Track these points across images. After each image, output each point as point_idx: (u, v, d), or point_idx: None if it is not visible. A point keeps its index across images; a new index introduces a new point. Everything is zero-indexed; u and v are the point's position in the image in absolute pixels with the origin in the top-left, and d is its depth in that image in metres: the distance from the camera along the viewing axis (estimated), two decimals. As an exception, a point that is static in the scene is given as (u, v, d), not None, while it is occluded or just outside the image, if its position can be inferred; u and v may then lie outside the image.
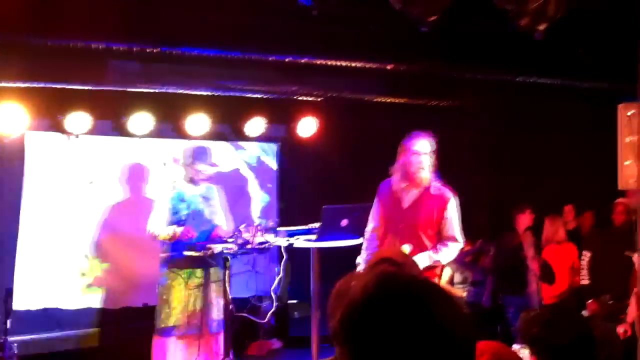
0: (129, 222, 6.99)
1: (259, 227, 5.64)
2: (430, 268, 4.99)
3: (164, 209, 5.85)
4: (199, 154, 5.93)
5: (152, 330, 5.88)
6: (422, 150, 4.94)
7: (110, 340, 6.80)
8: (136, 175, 7.23)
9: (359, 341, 1.23)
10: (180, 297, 5.80)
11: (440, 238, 5.02)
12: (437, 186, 5.03)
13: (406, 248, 4.89)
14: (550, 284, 7.02)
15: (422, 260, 4.91)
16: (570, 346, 2.58)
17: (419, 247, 4.93)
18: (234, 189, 7.47)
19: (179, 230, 5.72)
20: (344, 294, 1.29)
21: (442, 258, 5.03)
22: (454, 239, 5.03)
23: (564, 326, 2.61)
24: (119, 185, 7.15)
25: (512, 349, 3.15)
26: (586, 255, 6.62)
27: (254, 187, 7.98)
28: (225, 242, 5.64)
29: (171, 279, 5.82)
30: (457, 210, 5.06)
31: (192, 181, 5.96)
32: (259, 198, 8.00)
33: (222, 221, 6.11)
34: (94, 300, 7.03)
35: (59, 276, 6.89)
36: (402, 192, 5.03)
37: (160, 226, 5.78)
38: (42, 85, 5.93)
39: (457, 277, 7.94)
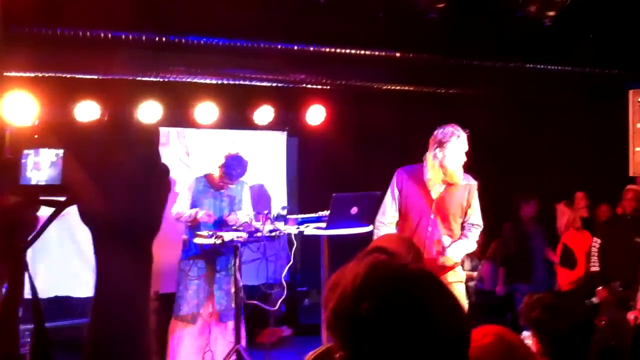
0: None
1: (268, 215, 5.67)
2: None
3: (187, 198, 6.02)
4: (232, 169, 5.94)
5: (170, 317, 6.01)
6: (460, 150, 4.82)
7: None
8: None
9: (351, 331, 1.23)
10: (193, 285, 5.92)
11: (465, 224, 5.01)
12: (465, 176, 4.96)
13: (447, 239, 4.88)
14: (571, 269, 7.00)
15: (462, 247, 4.93)
16: (569, 331, 2.60)
17: (452, 237, 4.93)
18: (255, 179, 7.57)
19: (201, 212, 5.89)
20: (337, 284, 1.28)
21: (473, 244, 5.03)
22: (478, 225, 5.03)
23: (564, 311, 2.63)
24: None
25: (522, 335, 3.16)
26: (596, 242, 6.62)
27: (274, 177, 7.99)
28: (236, 230, 5.67)
29: (187, 267, 5.96)
30: (477, 197, 5.04)
31: (216, 183, 6.07)
32: (278, 187, 8.01)
33: (244, 214, 6.16)
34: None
35: (70, 264, 6.94)
36: (432, 183, 4.94)
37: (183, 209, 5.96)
38: (51, 74, 5.94)
39: (467, 265, 7.96)
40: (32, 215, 1.28)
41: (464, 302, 5.08)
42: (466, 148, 4.85)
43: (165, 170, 1.20)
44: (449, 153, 4.80)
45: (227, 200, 6.11)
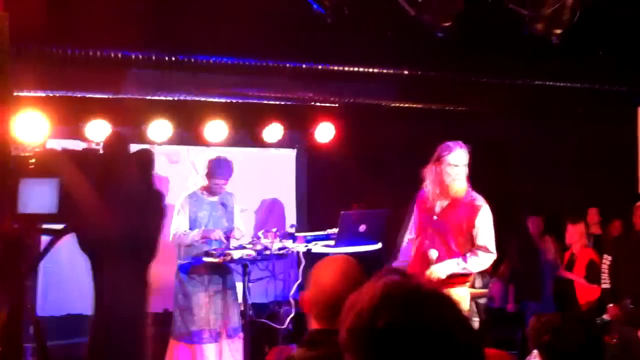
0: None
1: (277, 233, 5.67)
2: (461, 275, 4.95)
3: (184, 215, 5.92)
4: (216, 168, 5.93)
5: (168, 336, 5.93)
6: (458, 163, 4.84)
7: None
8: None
9: (367, 348, 1.26)
10: (200, 304, 5.84)
11: (471, 247, 4.95)
12: (470, 194, 4.94)
13: (434, 253, 4.88)
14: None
15: (450, 267, 4.88)
16: (579, 353, 2.58)
17: (448, 254, 4.89)
18: (267, 197, 7.64)
19: (204, 232, 5.83)
20: (355, 304, 1.33)
21: (472, 266, 4.94)
22: (486, 249, 4.91)
23: (574, 333, 2.61)
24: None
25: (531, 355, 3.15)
26: (607, 259, 6.56)
27: (283, 195, 8.01)
28: (244, 248, 5.67)
29: (191, 286, 5.87)
30: (490, 220, 4.96)
31: (210, 190, 6.02)
32: (287, 205, 8.03)
33: (241, 225, 6.16)
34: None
35: (80, 282, 6.96)
36: (434, 199, 4.98)
37: (186, 228, 5.87)
38: (62, 94, 6.00)
39: (478, 282, 7.92)
40: (33, 242, 1.32)
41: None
42: (465, 162, 4.87)
43: (158, 193, 1.23)
44: (445, 167, 4.85)
45: (222, 209, 6.08)
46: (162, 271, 6.92)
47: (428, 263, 4.89)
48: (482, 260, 4.96)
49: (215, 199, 6.05)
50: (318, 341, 2.18)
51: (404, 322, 1.25)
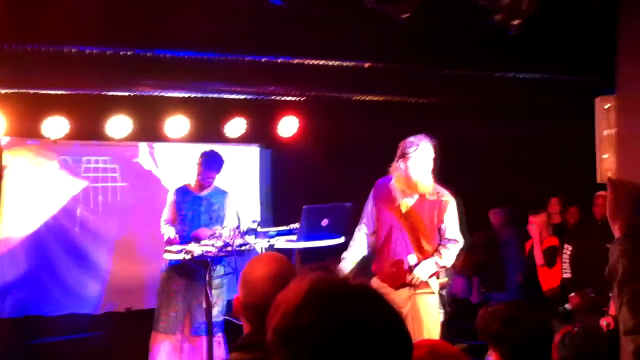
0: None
1: (238, 229, 5.61)
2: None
3: (170, 207, 6.14)
4: (204, 160, 6.06)
5: (135, 336, 6.08)
6: (425, 158, 4.83)
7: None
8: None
9: (292, 346, 1.24)
10: (169, 300, 5.95)
11: (440, 241, 4.97)
12: (436, 190, 4.93)
13: (412, 258, 4.86)
14: (550, 267, 6.93)
15: (430, 267, 4.88)
16: (530, 342, 2.58)
17: (420, 252, 4.89)
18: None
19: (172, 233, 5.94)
20: (280, 304, 1.30)
21: (447, 261, 4.98)
22: (455, 241, 4.98)
23: (524, 322, 2.62)
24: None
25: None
26: (568, 248, 6.63)
27: (246, 191, 7.96)
28: (205, 245, 5.61)
29: (164, 281, 6.01)
30: (456, 213, 4.99)
31: (199, 184, 6.09)
32: (250, 201, 7.98)
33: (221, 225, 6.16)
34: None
35: (40, 283, 6.86)
36: (400, 195, 4.95)
37: (167, 223, 6.07)
38: (16, 90, 5.87)
39: (442, 274, 7.93)
40: None
41: (435, 313, 5.06)
42: (431, 157, 4.86)
43: None
44: (412, 163, 4.82)
45: (205, 204, 6.09)
46: (123, 270, 6.93)
47: (405, 267, 4.87)
48: (454, 252, 5.03)
49: (202, 193, 6.11)
50: (254, 343, 2.09)
51: (329, 319, 1.22)
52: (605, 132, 5.04)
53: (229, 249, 5.49)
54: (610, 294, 5.72)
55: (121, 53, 5.49)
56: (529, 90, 7.08)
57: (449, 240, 4.96)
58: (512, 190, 7.71)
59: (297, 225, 5.70)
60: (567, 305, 6.41)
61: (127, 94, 6.27)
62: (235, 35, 5.78)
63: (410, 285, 4.85)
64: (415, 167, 4.82)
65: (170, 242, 5.85)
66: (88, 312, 7.07)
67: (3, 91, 5.99)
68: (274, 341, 1.28)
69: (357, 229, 5.15)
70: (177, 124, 7.16)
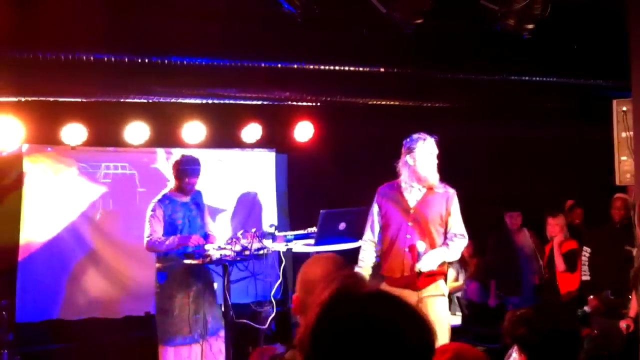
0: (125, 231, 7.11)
1: (256, 233, 5.65)
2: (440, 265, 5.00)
3: (158, 221, 5.85)
4: (187, 167, 5.94)
5: (155, 340, 5.92)
6: (431, 152, 4.95)
7: (113, 351, 6.81)
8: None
9: (321, 353, 1.27)
10: (181, 306, 5.82)
11: (447, 234, 5.04)
12: (440, 183, 5.06)
13: (421, 245, 4.90)
14: (572, 272, 6.91)
15: (439, 255, 4.93)
16: (556, 344, 2.58)
17: (431, 244, 4.95)
18: (245, 198, 7.70)
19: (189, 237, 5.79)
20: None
21: (453, 253, 5.06)
22: (462, 235, 5.06)
23: (548, 325, 2.61)
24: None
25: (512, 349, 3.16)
26: (586, 251, 6.60)
27: (263, 195, 8.00)
28: (223, 248, 5.65)
29: (171, 288, 5.83)
30: (459, 206, 5.09)
31: (182, 190, 5.99)
32: (267, 205, 8.02)
33: (213, 228, 6.20)
34: (96, 310, 7.07)
35: (61, 288, 6.93)
36: (409, 190, 5.03)
37: (160, 234, 5.81)
38: (34, 98, 5.93)
39: (462, 276, 7.94)
40: None
41: (445, 316, 5.07)
42: (435, 151, 4.97)
43: None
44: (419, 157, 4.94)
45: (195, 209, 6.07)
46: (142, 275, 6.94)
47: (415, 256, 4.91)
48: (460, 246, 5.10)
49: (187, 199, 6.04)
50: None
51: (351, 325, 1.25)
52: (623, 135, 5.04)
53: (247, 252, 5.53)
54: (629, 296, 5.70)
55: (138, 60, 5.53)
56: (544, 94, 7.07)
57: (456, 234, 5.04)
58: (528, 193, 7.69)
59: (314, 229, 5.74)
60: (585, 308, 6.38)
61: (143, 100, 6.33)
62: (250, 41, 5.83)
63: (418, 275, 4.85)
64: (423, 160, 4.94)
65: (199, 243, 5.74)
66: (108, 317, 7.10)
67: (23, 99, 6.06)
68: (304, 346, 1.31)
69: (363, 239, 5.20)
70: (194, 129, 7.23)
